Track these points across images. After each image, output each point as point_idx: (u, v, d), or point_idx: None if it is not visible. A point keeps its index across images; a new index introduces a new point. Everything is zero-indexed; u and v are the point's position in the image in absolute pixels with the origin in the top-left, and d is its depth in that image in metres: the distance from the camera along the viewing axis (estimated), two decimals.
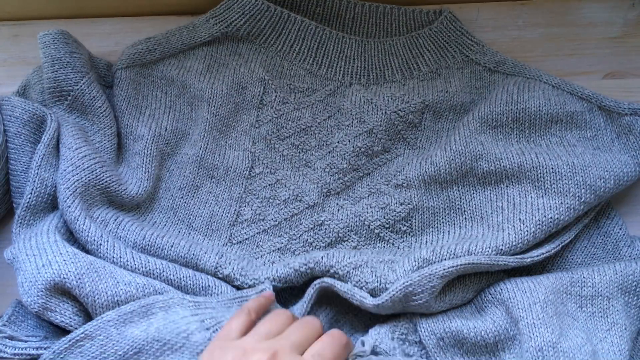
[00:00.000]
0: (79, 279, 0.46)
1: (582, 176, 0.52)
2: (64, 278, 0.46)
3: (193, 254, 0.52)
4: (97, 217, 0.52)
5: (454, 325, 0.48)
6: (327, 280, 0.49)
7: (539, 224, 0.51)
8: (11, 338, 0.48)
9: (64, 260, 0.46)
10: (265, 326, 0.44)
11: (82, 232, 0.50)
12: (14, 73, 0.60)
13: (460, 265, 0.48)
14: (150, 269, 0.49)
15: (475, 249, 0.50)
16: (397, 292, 0.48)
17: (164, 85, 0.59)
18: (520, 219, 0.52)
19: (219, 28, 0.60)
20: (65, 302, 0.47)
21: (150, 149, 0.56)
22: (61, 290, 0.47)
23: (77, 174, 0.50)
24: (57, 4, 0.59)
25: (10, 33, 0.61)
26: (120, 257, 0.49)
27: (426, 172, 0.56)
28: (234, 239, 0.56)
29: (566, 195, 0.52)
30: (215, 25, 0.60)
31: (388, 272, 0.50)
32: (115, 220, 0.52)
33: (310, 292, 0.48)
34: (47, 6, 0.59)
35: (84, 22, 0.61)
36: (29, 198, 0.51)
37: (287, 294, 0.54)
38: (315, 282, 0.48)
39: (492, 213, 0.54)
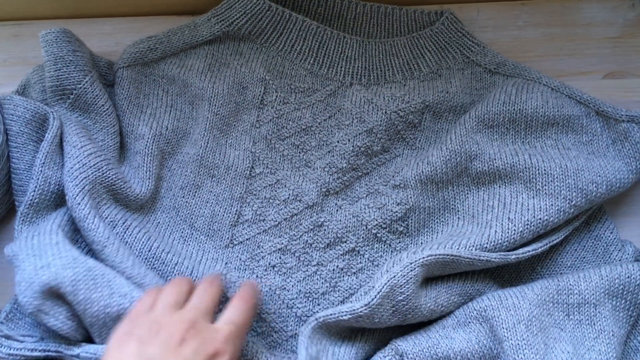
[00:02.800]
0: (74, 285, 0.46)
1: (574, 179, 0.53)
2: (59, 283, 0.46)
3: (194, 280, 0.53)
4: (107, 217, 0.52)
5: (440, 352, 0.48)
6: (311, 320, 0.49)
7: (527, 224, 0.52)
8: (7, 337, 0.48)
9: (63, 265, 0.46)
10: (170, 295, 0.45)
11: (89, 231, 0.50)
12: (14, 73, 0.60)
13: (440, 255, 0.49)
14: (145, 283, 0.49)
15: (459, 247, 0.51)
16: (383, 286, 0.48)
17: (166, 84, 0.59)
18: (509, 218, 0.53)
19: (221, 27, 0.60)
20: (59, 305, 0.47)
21: (151, 148, 0.57)
22: (56, 294, 0.47)
23: (85, 171, 0.51)
24: (57, 4, 0.59)
25: (10, 33, 0.60)
26: (121, 263, 0.50)
27: (423, 172, 0.57)
28: (235, 239, 0.57)
29: (557, 198, 0.53)
30: (217, 24, 0.60)
31: (374, 280, 0.51)
32: (124, 223, 0.53)
33: (303, 341, 0.48)
34: (47, 6, 0.59)
35: (84, 22, 0.61)
36: (32, 196, 0.51)
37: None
38: (302, 330, 0.49)
39: (482, 212, 0.55)
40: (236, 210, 0.57)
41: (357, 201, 0.58)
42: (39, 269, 0.46)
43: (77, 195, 0.50)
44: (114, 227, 0.52)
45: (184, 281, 0.47)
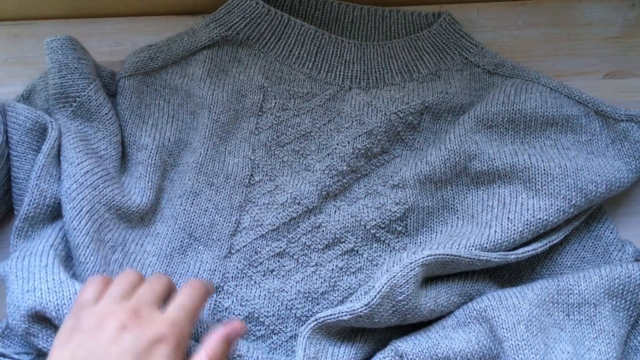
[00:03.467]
0: (58, 310, 0.45)
1: (573, 179, 0.53)
2: (44, 307, 0.45)
3: None
4: (108, 241, 0.52)
5: (440, 352, 0.49)
6: (310, 321, 0.49)
7: (527, 224, 0.52)
8: (2, 355, 0.48)
9: (48, 289, 0.46)
10: (118, 287, 0.44)
11: (79, 262, 0.49)
12: (14, 73, 0.60)
13: (439, 255, 0.49)
14: None
15: (459, 247, 0.51)
16: (383, 286, 0.48)
17: (168, 94, 0.59)
18: (508, 218, 0.53)
19: (219, 32, 0.59)
20: (48, 328, 0.46)
21: (155, 159, 0.56)
22: (43, 317, 0.46)
23: (82, 192, 0.50)
24: (57, 4, 0.59)
25: (10, 33, 0.60)
26: None
27: (421, 171, 0.57)
28: (233, 248, 0.56)
29: (556, 197, 0.53)
30: (215, 29, 0.59)
31: (374, 280, 0.51)
32: (123, 249, 0.53)
33: (302, 341, 0.48)
34: (47, 6, 0.59)
35: (84, 22, 0.61)
36: (27, 210, 0.50)
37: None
38: (301, 330, 0.49)
39: (482, 212, 0.55)
40: (235, 220, 0.57)
41: (355, 202, 0.58)
42: (25, 292, 0.46)
43: (74, 219, 0.49)
44: (114, 252, 0.52)
45: (132, 273, 0.46)
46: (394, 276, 0.48)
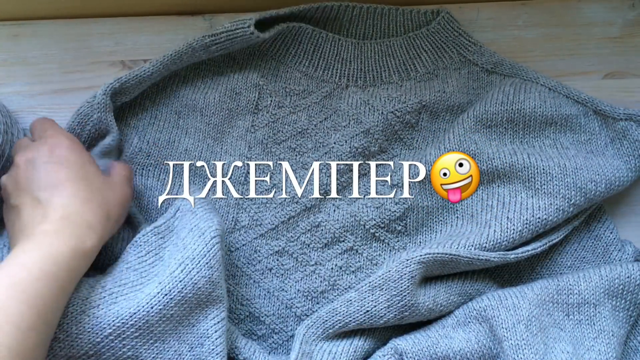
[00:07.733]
0: None
1: (573, 178, 0.53)
2: None
3: None
4: None
5: (439, 351, 0.49)
6: (308, 319, 0.51)
7: (526, 223, 0.53)
8: None
9: None
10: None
11: None
12: (14, 73, 0.60)
13: (438, 253, 0.50)
14: None
15: (458, 247, 0.51)
16: (377, 279, 0.49)
17: (153, 93, 0.58)
18: (508, 217, 0.53)
19: (218, 51, 0.57)
20: None
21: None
22: None
23: None
24: (57, 4, 0.59)
25: (10, 33, 0.60)
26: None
27: None
28: (232, 246, 0.56)
29: (556, 197, 0.53)
30: (217, 52, 0.57)
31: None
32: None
33: (298, 338, 0.49)
34: (47, 6, 0.59)
35: (84, 22, 0.61)
36: None
37: None
38: (298, 329, 0.50)
39: (481, 211, 0.55)
40: (232, 217, 0.57)
41: (355, 201, 0.58)
42: None
43: None
44: None
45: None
46: (389, 271, 0.49)
